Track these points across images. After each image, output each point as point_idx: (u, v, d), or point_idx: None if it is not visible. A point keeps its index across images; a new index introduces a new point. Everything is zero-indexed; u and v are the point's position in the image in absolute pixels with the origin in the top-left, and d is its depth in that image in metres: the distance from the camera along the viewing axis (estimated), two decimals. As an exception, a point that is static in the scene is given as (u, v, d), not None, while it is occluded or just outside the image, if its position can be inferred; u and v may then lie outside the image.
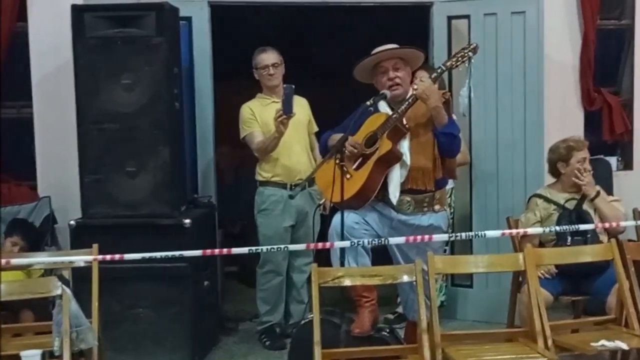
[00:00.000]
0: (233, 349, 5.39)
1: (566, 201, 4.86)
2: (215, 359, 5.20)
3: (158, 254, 3.40)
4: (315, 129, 5.43)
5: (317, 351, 3.79)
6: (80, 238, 4.82)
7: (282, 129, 4.98)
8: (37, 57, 5.55)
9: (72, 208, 5.22)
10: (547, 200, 4.88)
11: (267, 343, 5.37)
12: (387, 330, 4.50)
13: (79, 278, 4.53)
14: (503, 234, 4.07)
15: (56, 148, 5.54)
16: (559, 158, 4.92)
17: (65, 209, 5.44)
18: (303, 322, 4.52)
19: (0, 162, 5.72)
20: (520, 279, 4.60)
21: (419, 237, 3.97)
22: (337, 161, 4.17)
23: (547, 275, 4.66)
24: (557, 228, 4.42)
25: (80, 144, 4.98)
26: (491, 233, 4.16)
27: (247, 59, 5.40)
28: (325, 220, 4.66)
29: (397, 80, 4.33)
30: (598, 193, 4.87)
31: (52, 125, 5.57)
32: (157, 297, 4.96)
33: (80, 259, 3.82)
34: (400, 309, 5.45)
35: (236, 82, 5.56)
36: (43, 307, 4.76)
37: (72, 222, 4.95)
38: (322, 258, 4.48)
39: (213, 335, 5.45)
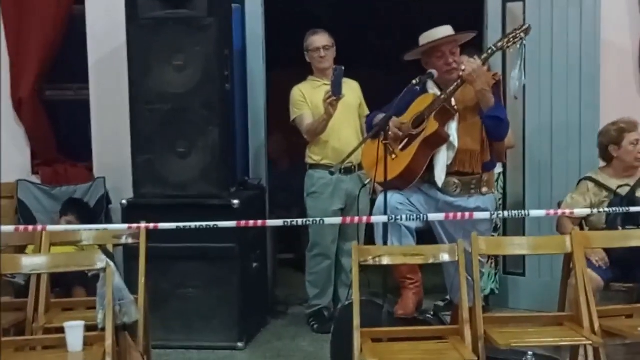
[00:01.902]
0: (281, 332, 5.40)
1: (618, 187, 4.72)
2: (263, 340, 5.22)
3: (192, 224, 3.43)
4: (367, 112, 5.36)
5: (357, 331, 3.76)
6: (131, 217, 4.85)
7: (330, 111, 4.97)
8: (94, 39, 5.65)
9: (126, 189, 5.29)
10: (599, 184, 4.75)
11: (316, 326, 5.37)
12: (432, 313, 4.47)
13: (130, 257, 4.62)
14: (548, 214, 3.97)
15: (111, 129, 5.63)
16: (609, 141, 4.79)
17: (119, 190, 5.52)
18: (347, 302, 4.52)
19: (58, 143, 5.88)
20: (571, 265, 4.50)
21: (459, 215, 3.92)
22: (383, 140, 4.14)
23: (600, 264, 4.54)
24: (606, 210, 4.29)
25: (133, 125, 5.07)
26: (535, 212, 4.07)
27: (300, 46, 5.40)
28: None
29: (455, 66, 4.29)
30: None
31: (107, 106, 5.66)
32: (205, 277, 5.02)
33: (120, 227, 3.88)
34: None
35: (288, 70, 5.57)
36: (95, 285, 4.84)
37: (123, 202, 5.05)
38: (372, 242, 4.46)
39: (262, 317, 5.48)
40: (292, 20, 6.42)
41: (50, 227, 4.07)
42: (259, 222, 3.60)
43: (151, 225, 3.57)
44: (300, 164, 5.64)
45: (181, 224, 3.50)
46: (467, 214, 3.95)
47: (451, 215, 3.94)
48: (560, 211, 4.25)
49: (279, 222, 3.67)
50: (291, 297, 6.07)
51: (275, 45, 5.89)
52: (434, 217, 3.99)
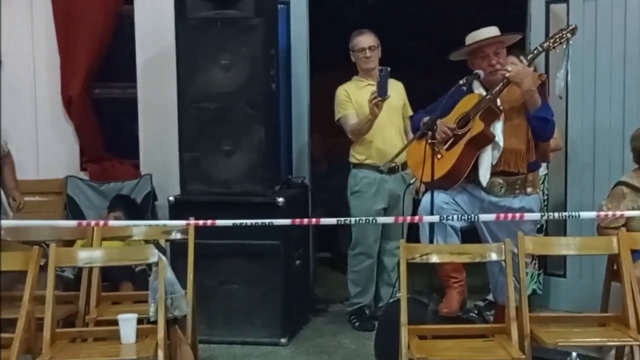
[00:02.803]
0: (323, 329, 5.46)
1: None
2: (305, 337, 5.27)
3: (248, 221, 3.49)
4: (410, 112, 5.38)
5: (404, 327, 3.81)
6: (178, 213, 4.96)
7: (376, 111, 5.01)
8: (142, 39, 5.74)
9: (171, 186, 5.39)
10: (635, 189, 4.70)
11: (357, 324, 5.41)
12: (476, 312, 4.51)
13: (176, 253, 4.70)
14: (598, 216, 3.99)
15: (158, 127, 5.72)
16: None
17: (165, 187, 5.61)
18: (391, 300, 4.57)
19: (105, 141, 5.99)
20: (615, 266, 4.50)
21: (509, 215, 3.95)
22: (429, 141, 4.18)
23: None
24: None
25: (180, 123, 5.15)
26: (586, 214, 4.09)
27: (342, 50, 5.45)
28: (417, 205, 4.67)
29: (498, 67, 4.31)
30: None
31: (154, 105, 5.75)
32: (249, 274, 5.08)
33: (176, 223, 3.95)
34: (491, 297, 5.42)
35: (328, 73, 5.63)
36: (142, 280, 4.95)
37: (171, 198, 5.13)
38: (414, 242, 4.50)
39: (303, 314, 5.54)
40: (336, 22, 6.49)
41: (111, 222, 4.15)
42: (313, 220, 3.64)
43: (208, 222, 3.61)
44: (339, 164, 5.70)
45: (237, 221, 3.55)
46: (517, 215, 3.98)
47: (502, 215, 3.97)
48: (610, 213, 4.25)
49: (332, 221, 3.72)
50: (330, 295, 6.10)
51: (318, 48, 5.95)
52: (485, 217, 4.02)
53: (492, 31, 4.36)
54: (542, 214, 4.29)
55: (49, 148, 5.76)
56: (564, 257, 5.50)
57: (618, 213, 4.22)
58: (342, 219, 3.68)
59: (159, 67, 5.63)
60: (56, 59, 5.78)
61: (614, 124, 5.47)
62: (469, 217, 4.01)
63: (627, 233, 4.07)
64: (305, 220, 3.60)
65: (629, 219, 4.51)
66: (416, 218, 3.93)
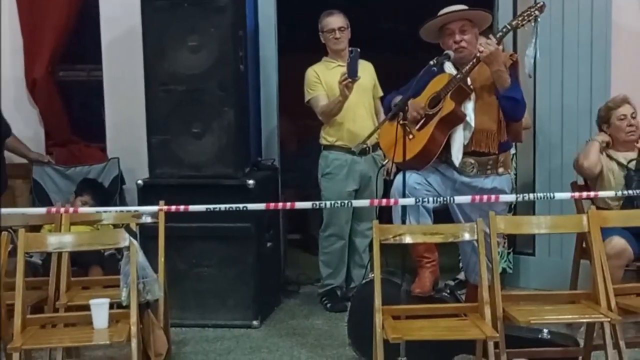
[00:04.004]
0: (295, 310, 5.46)
1: (628, 162, 4.79)
2: (277, 319, 5.27)
3: (222, 206, 3.45)
4: (380, 93, 5.41)
5: (378, 308, 3.81)
6: (147, 197, 4.93)
7: (346, 93, 4.99)
8: (107, 21, 5.66)
9: (140, 169, 5.33)
10: (610, 157, 4.84)
11: (329, 305, 5.42)
12: (448, 291, 4.53)
13: (147, 237, 4.64)
14: (572, 197, 4.01)
15: (125, 110, 5.65)
16: (601, 121, 4.94)
17: (133, 170, 5.55)
18: (364, 281, 4.58)
19: (71, 124, 5.91)
20: (584, 244, 4.55)
21: (485, 197, 3.96)
22: (400, 121, 4.17)
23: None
24: (629, 192, 4.32)
25: (148, 106, 5.08)
26: (560, 195, 4.11)
27: (309, 32, 5.40)
28: (389, 186, 4.68)
29: (463, 44, 4.30)
30: None
31: (121, 88, 5.68)
32: (221, 256, 5.06)
33: (147, 209, 3.91)
34: (461, 276, 5.47)
35: (298, 54, 5.58)
36: (111, 264, 4.91)
37: (139, 182, 5.08)
38: (385, 222, 4.50)
39: (275, 296, 5.53)
40: (305, 3, 6.43)
41: (82, 209, 4.09)
42: (288, 205, 3.61)
43: (181, 207, 3.58)
44: (308, 145, 5.67)
45: (211, 206, 3.52)
46: (492, 197, 3.99)
47: (477, 197, 3.97)
48: (584, 194, 4.28)
49: (307, 204, 3.70)
50: (302, 276, 6.09)
51: (287, 29, 5.90)
52: (460, 199, 4.03)
53: (458, 8, 4.36)
54: (518, 195, 4.28)
55: (13, 132, 5.66)
56: (533, 235, 5.55)
57: (592, 194, 4.25)
58: (317, 202, 3.65)
59: (125, 49, 5.55)
60: (19, 41, 5.68)
61: (582, 103, 5.51)
62: (444, 199, 4.00)
63: (597, 211, 4.09)
64: (280, 205, 3.57)
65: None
66: (392, 201, 3.90)
